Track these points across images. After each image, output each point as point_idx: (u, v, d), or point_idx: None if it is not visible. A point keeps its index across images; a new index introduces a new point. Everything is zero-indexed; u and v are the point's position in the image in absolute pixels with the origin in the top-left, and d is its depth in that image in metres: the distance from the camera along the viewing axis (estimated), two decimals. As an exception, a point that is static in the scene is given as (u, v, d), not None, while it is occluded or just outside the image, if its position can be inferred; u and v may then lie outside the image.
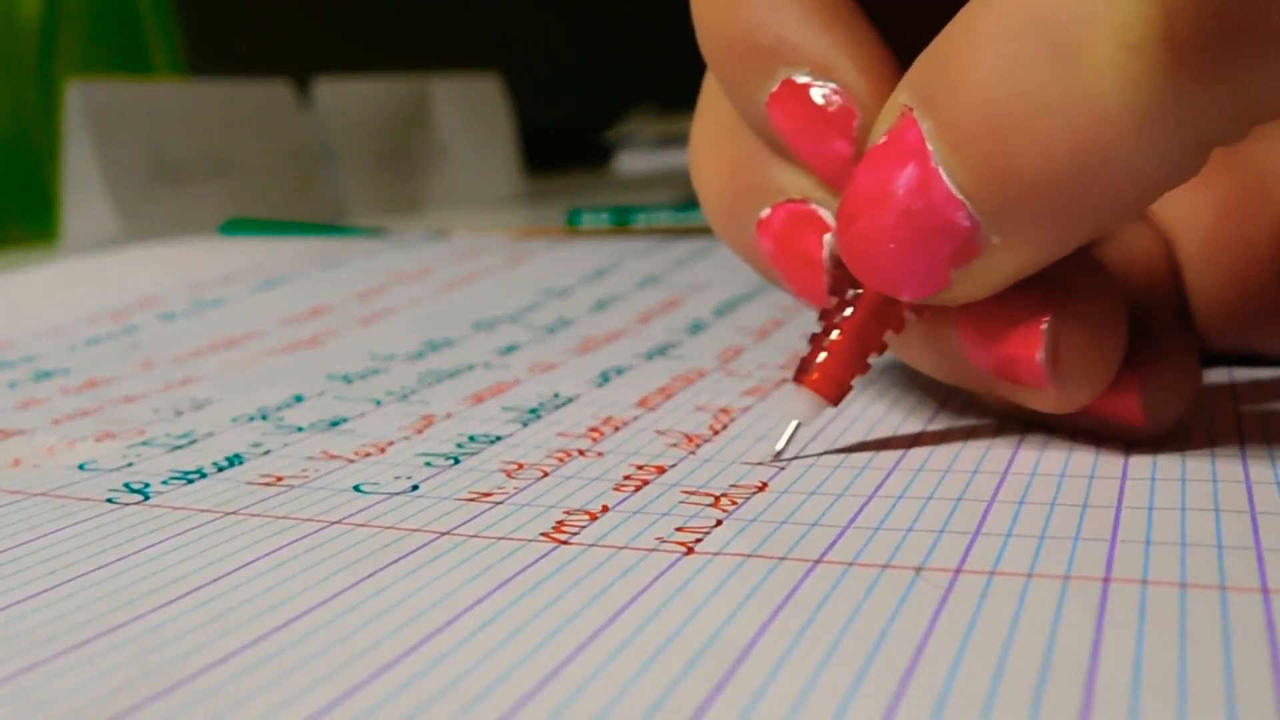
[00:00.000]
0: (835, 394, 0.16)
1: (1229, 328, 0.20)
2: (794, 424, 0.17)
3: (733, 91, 0.17)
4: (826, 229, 0.17)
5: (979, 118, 0.13)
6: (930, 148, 0.14)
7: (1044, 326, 0.15)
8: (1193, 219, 0.20)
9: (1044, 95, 0.13)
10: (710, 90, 0.18)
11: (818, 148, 0.16)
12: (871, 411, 0.19)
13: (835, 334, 0.16)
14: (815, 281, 0.17)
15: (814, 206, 0.17)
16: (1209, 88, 0.13)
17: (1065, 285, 0.15)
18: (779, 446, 0.17)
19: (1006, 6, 0.13)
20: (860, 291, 0.16)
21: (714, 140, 0.18)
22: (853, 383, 0.16)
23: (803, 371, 0.16)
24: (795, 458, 0.17)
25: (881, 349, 0.16)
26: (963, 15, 0.14)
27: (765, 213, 0.17)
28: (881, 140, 0.15)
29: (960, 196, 0.14)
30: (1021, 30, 0.13)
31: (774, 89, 0.16)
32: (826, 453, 0.17)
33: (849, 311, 0.16)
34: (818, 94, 0.16)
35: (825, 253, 0.17)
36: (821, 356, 0.16)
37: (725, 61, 0.16)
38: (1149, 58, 0.12)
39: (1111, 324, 0.16)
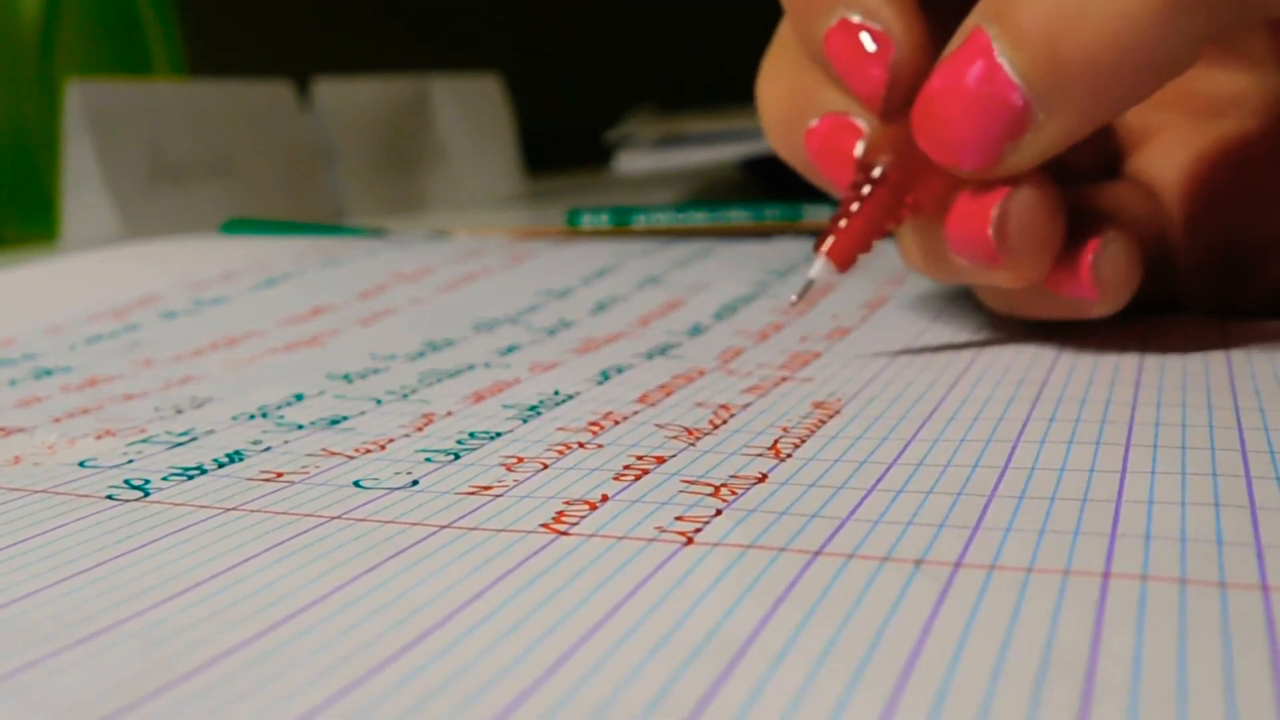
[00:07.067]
0: (843, 262, 0.21)
1: (1209, 277, 0.24)
2: (808, 280, 0.21)
3: (799, 24, 0.21)
4: (860, 134, 0.21)
5: (1038, 19, 0.18)
6: (995, 47, 0.18)
7: (993, 209, 0.20)
8: (1172, 172, 0.24)
9: None
10: (780, 38, 0.24)
11: (859, 72, 0.20)
12: (871, 408, 0.19)
13: (849, 218, 0.21)
14: (846, 174, 0.21)
15: (852, 117, 0.22)
16: None
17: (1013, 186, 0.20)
18: (793, 298, 0.21)
19: None
20: (873, 188, 0.20)
21: (779, 73, 0.23)
22: (859, 256, 0.21)
23: (821, 242, 0.21)
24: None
25: (884, 234, 0.21)
26: None
27: (813, 123, 0.22)
28: (954, 50, 0.19)
29: (1017, 80, 0.18)
30: None
31: (832, 24, 0.20)
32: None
33: (860, 201, 0.21)
34: (865, 32, 0.20)
35: (858, 151, 0.21)
36: (839, 228, 0.21)
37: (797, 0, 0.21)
38: None
39: (1048, 208, 0.20)
